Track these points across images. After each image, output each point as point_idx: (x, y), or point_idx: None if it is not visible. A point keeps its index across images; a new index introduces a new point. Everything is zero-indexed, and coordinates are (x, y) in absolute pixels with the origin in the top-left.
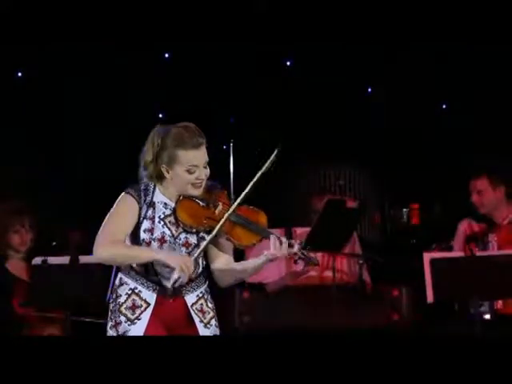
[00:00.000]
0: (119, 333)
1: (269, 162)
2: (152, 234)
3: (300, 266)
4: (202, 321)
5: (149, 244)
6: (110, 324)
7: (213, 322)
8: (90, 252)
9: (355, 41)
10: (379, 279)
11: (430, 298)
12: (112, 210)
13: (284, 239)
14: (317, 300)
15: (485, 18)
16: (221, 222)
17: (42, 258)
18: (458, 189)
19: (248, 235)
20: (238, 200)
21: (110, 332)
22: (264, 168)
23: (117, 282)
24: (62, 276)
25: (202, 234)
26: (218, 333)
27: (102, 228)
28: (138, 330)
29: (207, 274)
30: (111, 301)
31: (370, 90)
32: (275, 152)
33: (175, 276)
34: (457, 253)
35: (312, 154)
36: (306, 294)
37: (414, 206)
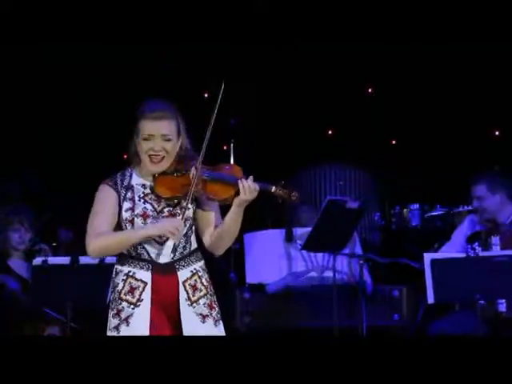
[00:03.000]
0: (122, 318)
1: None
2: (133, 211)
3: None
4: (188, 298)
5: (132, 221)
6: (111, 313)
7: (202, 300)
8: (80, 250)
9: (355, 40)
10: (380, 279)
11: (430, 298)
12: (93, 205)
13: (251, 179)
14: (317, 300)
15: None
16: (193, 183)
17: (43, 258)
18: (459, 189)
19: (223, 188)
20: (203, 152)
21: (113, 321)
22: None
23: (113, 273)
24: (63, 276)
25: (183, 204)
26: (205, 312)
27: (87, 227)
28: (142, 311)
29: (201, 252)
30: (111, 292)
31: (370, 90)
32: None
33: (169, 243)
34: (457, 253)
35: (312, 153)
36: (307, 294)
37: (414, 206)
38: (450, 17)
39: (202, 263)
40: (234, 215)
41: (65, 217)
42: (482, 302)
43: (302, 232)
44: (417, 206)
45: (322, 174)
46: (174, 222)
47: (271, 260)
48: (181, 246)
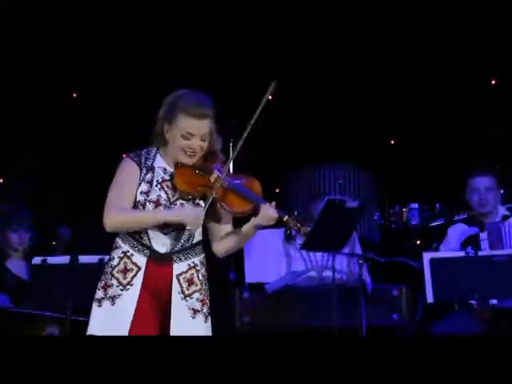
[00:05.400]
0: (108, 295)
1: (263, 102)
2: (148, 196)
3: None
4: (182, 291)
5: (144, 206)
6: (99, 284)
7: (195, 295)
8: (79, 248)
9: (355, 40)
10: (379, 279)
11: (429, 298)
12: (115, 177)
13: (273, 208)
14: (316, 300)
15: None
16: (216, 187)
17: (42, 257)
18: (458, 188)
19: (240, 201)
20: (230, 161)
21: (98, 293)
22: (255, 116)
23: (113, 245)
24: (62, 276)
25: (197, 201)
26: (197, 307)
27: (107, 198)
28: (130, 296)
29: (202, 246)
30: (106, 262)
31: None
32: (271, 88)
33: (173, 234)
34: (456, 253)
35: (311, 153)
36: (306, 293)
37: (413, 205)
38: (451, 16)
39: (202, 257)
40: (249, 232)
41: (64, 215)
42: (474, 302)
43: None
44: (416, 205)
45: (322, 174)
46: (198, 214)
47: (270, 259)
48: (184, 238)
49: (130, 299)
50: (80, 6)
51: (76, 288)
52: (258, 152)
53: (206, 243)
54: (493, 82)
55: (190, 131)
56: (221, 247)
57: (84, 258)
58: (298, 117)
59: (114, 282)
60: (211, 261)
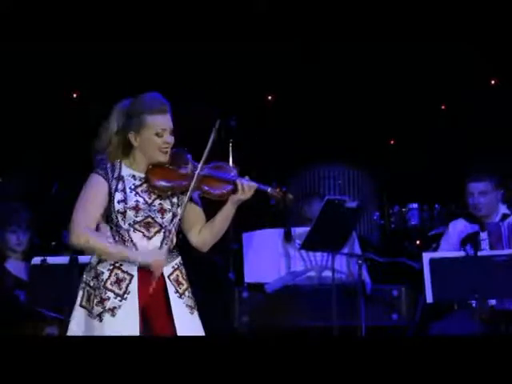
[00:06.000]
0: (107, 308)
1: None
2: (126, 203)
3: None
4: (177, 291)
5: (124, 213)
6: (95, 301)
7: (187, 293)
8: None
9: (356, 40)
10: (378, 279)
11: (429, 298)
12: (82, 192)
13: (247, 180)
14: (316, 300)
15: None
16: (195, 179)
17: (42, 257)
18: (457, 189)
19: (220, 184)
20: (206, 152)
21: (96, 308)
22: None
23: (93, 260)
24: (61, 276)
25: (174, 200)
26: (191, 304)
27: (74, 213)
28: (130, 303)
29: (179, 248)
30: (89, 279)
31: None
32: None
33: (156, 240)
34: (456, 253)
35: (311, 153)
36: (305, 293)
37: (413, 205)
38: (450, 16)
39: (180, 258)
40: (228, 212)
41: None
42: (473, 302)
43: (300, 231)
44: (416, 205)
45: (321, 174)
46: (159, 256)
47: (270, 259)
48: (167, 241)
49: (130, 307)
50: (81, 6)
51: (75, 288)
52: (258, 152)
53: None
54: (492, 82)
55: (162, 127)
56: (202, 237)
57: (83, 258)
58: (297, 117)
59: (110, 294)
60: (211, 261)
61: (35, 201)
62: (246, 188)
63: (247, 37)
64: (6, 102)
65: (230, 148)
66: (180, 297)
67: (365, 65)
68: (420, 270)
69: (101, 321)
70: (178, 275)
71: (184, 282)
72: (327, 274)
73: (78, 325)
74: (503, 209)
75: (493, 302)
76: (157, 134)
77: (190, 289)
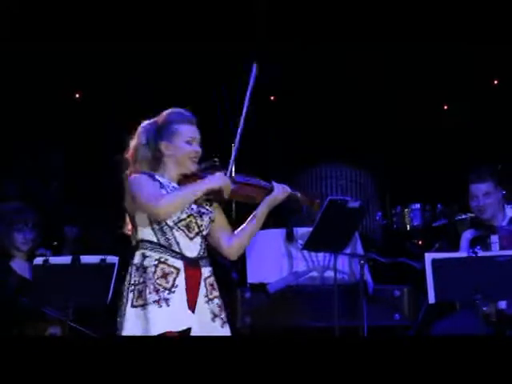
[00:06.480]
0: (162, 297)
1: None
2: None
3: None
4: (207, 295)
5: None
6: (147, 291)
7: (216, 300)
8: (86, 247)
9: (357, 40)
10: (381, 279)
11: (431, 298)
12: (135, 182)
13: (284, 186)
14: (318, 300)
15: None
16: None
17: (44, 258)
18: (460, 189)
19: (255, 189)
20: (233, 156)
21: (150, 296)
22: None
23: (137, 259)
24: (64, 276)
25: (210, 207)
26: (216, 312)
27: (142, 194)
28: (178, 296)
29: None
30: (136, 278)
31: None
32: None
33: (197, 240)
34: (458, 253)
35: (312, 154)
36: (308, 294)
37: (415, 206)
38: (450, 16)
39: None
40: (262, 215)
41: (68, 214)
42: (480, 302)
43: (302, 232)
44: (418, 205)
45: (323, 174)
46: (225, 179)
47: (272, 260)
48: (204, 245)
49: (179, 299)
50: (82, 6)
51: (77, 288)
52: (259, 153)
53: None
54: (495, 82)
55: (193, 135)
56: (238, 242)
57: (86, 258)
58: (299, 117)
59: (160, 287)
60: (213, 261)
61: (35, 201)
62: (282, 189)
63: (247, 37)
64: (6, 102)
65: (232, 148)
66: (207, 302)
67: (367, 64)
68: (422, 271)
69: (160, 307)
70: (213, 280)
71: (217, 288)
72: (329, 274)
73: (134, 324)
74: (511, 212)
75: (503, 305)
76: (187, 142)
77: (220, 297)
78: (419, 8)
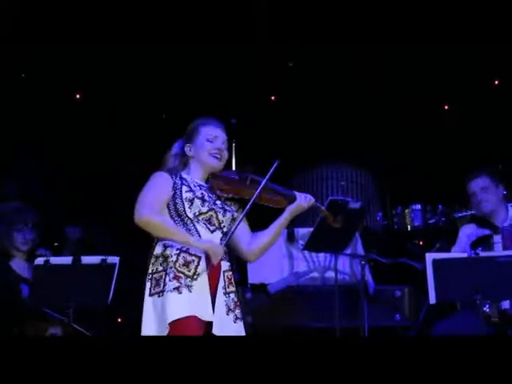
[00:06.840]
0: (183, 284)
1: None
2: (194, 194)
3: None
4: (224, 288)
5: (192, 201)
6: (167, 279)
7: (232, 294)
8: (88, 248)
9: (356, 40)
10: (381, 280)
11: (432, 298)
12: (147, 184)
13: (308, 196)
14: (319, 300)
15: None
16: (260, 188)
17: (45, 258)
18: (460, 189)
19: (279, 195)
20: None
21: (172, 283)
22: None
23: (158, 249)
24: (65, 276)
25: (234, 205)
26: (231, 306)
27: (142, 196)
28: (200, 283)
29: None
30: (156, 267)
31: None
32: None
33: (217, 234)
34: (459, 253)
35: (313, 154)
36: (308, 294)
37: (416, 206)
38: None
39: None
40: (284, 221)
41: (69, 215)
42: (481, 303)
43: (303, 232)
44: (419, 206)
45: (324, 175)
46: (218, 246)
47: (273, 260)
48: (223, 240)
49: (201, 285)
50: (83, 6)
51: (78, 288)
52: (259, 153)
53: None
54: (496, 82)
55: (215, 134)
56: (254, 247)
57: (86, 259)
58: (299, 117)
59: (181, 275)
60: None
61: (35, 201)
62: (306, 198)
63: (247, 37)
64: (7, 103)
65: (233, 148)
66: (224, 294)
67: (366, 64)
68: (423, 271)
69: (180, 293)
70: (231, 274)
71: (234, 283)
72: (330, 274)
73: (150, 312)
74: None
75: (506, 305)
76: (208, 140)
77: (236, 293)
78: (419, 8)
